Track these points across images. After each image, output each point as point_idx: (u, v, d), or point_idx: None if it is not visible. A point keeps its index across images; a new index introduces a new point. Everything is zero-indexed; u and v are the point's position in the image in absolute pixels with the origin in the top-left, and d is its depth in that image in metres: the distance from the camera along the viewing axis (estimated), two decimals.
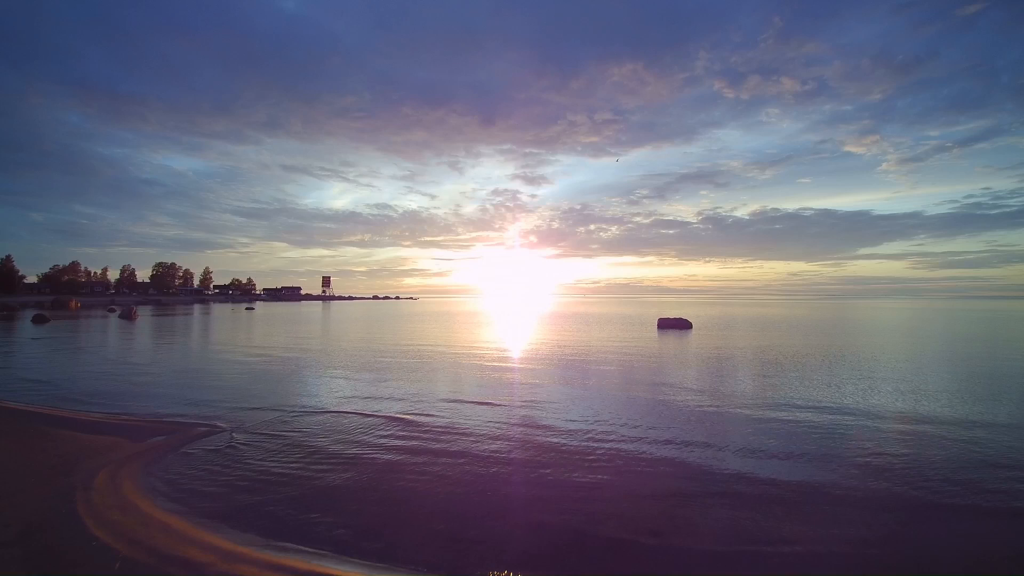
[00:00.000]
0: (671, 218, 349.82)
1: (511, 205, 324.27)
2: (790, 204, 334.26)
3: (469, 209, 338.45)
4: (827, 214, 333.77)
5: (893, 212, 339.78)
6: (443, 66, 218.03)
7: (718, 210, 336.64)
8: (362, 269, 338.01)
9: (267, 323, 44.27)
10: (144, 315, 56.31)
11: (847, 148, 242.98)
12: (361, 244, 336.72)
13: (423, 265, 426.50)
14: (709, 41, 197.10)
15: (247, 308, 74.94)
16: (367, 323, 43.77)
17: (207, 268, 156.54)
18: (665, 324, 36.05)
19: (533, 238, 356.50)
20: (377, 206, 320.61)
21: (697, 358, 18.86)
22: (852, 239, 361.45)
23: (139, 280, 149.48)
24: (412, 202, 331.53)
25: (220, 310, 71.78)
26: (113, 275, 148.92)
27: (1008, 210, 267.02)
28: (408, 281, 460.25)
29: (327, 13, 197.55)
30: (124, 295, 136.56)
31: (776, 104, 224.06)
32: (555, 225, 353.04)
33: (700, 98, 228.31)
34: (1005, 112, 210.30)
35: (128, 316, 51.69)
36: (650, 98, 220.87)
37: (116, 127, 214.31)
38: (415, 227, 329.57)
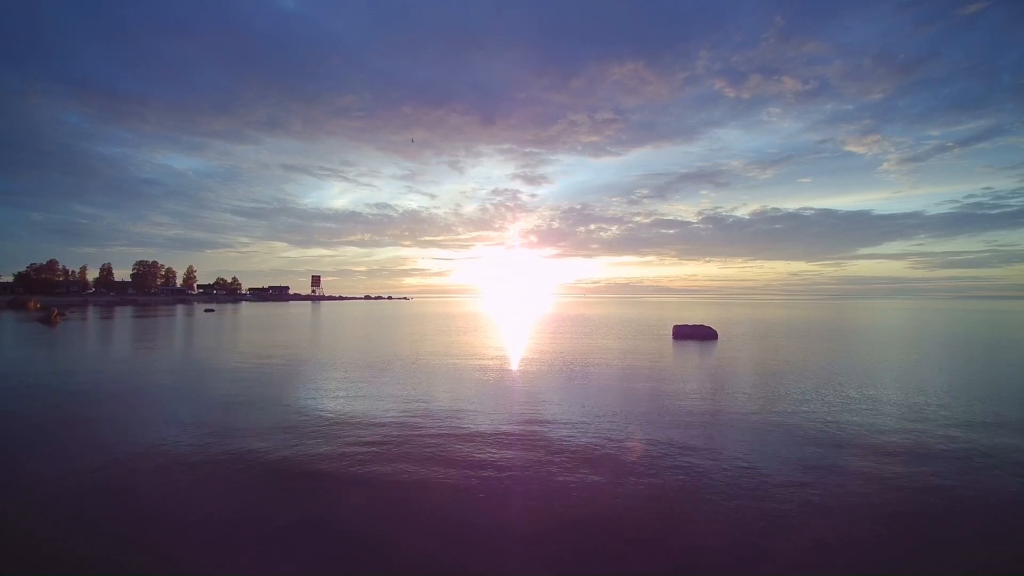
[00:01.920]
0: (671, 218, 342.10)
1: (511, 205, 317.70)
2: (790, 204, 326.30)
3: (469, 209, 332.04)
4: (827, 214, 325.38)
5: (893, 212, 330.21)
6: (443, 66, 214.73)
7: (718, 210, 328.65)
8: (362, 269, 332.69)
9: (207, 331, 36.00)
10: (88, 318, 48.09)
11: (848, 148, 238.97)
12: (361, 244, 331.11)
13: (423, 265, 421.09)
14: (710, 40, 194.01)
15: (206, 310, 65.14)
16: (338, 327, 35.61)
17: (191, 267, 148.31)
18: (683, 333, 27.65)
19: (533, 238, 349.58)
20: (377, 206, 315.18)
21: (754, 396, 10.78)
22: (852, 239, 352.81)
23: (122, 280, 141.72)
24: (412, 202, 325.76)
25: (175, 312, 63.59)
26: (93, 274, 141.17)
27: (1009, 210, 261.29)
28: (408, 281, 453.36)
29: (327, 12, 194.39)
30: (102, 295, 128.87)
31: (777, 103, 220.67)
32: (555, 225, 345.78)
33: (701, 97, 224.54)
34: (1006, 112, 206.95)
35: (47, 321, 43.57)
36: (651, 97, 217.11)
37: (116, 127, 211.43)
38: (415, 227, 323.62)
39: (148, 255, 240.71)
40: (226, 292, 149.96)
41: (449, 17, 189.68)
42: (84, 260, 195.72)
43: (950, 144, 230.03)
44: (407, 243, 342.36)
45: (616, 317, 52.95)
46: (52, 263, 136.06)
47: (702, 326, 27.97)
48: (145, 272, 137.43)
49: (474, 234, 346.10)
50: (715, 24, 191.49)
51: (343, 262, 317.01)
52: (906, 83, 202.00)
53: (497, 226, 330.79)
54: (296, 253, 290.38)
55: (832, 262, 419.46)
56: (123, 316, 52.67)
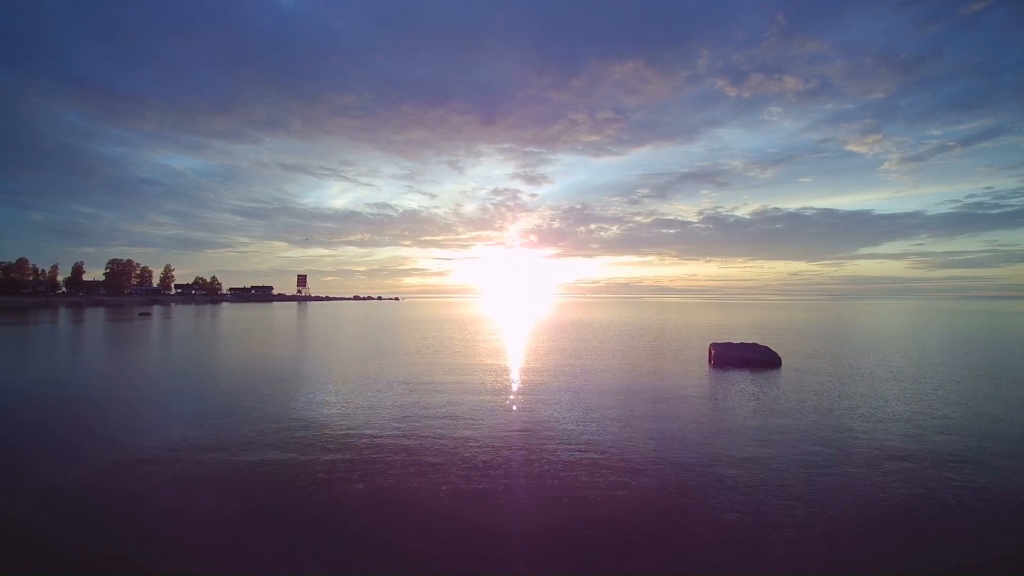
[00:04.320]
0: (672, 217, 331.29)
1: (511, 204, 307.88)
2: (791, 204, 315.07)
3: (469, 208, 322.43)
4: (828, 214, 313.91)
5: (894, 212, 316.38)
6: (443, 64, 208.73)
7: (719, 209, 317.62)
8: (362, 269, 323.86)
9: (97, 347, 26.44)
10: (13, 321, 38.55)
11: (849, 147, 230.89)
12: (361, 244, 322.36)
13: (423, 265, 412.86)
14: (711, 39, 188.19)
15: (140, 314, 54.10)
16: (279, 343, 25.79)
17: (168, 266, 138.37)
18: (728, 357, 17.81)
19: (533, 237, 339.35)
20: (377, 205, 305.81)
21: None
22: (853, 239, 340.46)
23: (96, 279, 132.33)
24: (412, 201, 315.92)
25: (113, 316, 54.02)
26: (67, 274, 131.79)
27: (1009, 210, 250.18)
28: (408, 281, 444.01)
29: (327, 11, 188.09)
30: (71, 295, 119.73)
31: (778, 103, 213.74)
32: (555, 224, 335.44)
33: (702, 97, 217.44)
34: (1007, 111, 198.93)
35: None
36: (651, 97, 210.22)
37: (115, 126, 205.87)
38: (415, 226, 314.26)
39: (148, 255, 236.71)
40: (205, 292, 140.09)
41: (449, 16, 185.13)
42: (84, 260, 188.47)
43: (951, 144, 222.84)
44: (407, 243, 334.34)
45: (621, 324, 43.12)
46: (22, 262, 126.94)
47: (755, 346, 18.20)
48: (118, 271, 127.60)
49: (474, 234, 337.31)
50: (716, 23, 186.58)
51: (343, 262, 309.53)
52: (907, 82, 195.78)
53: (497, 226, 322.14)
54: (296, 253, 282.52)
55: (832, 262, 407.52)
56: (48, 321, 43.02)
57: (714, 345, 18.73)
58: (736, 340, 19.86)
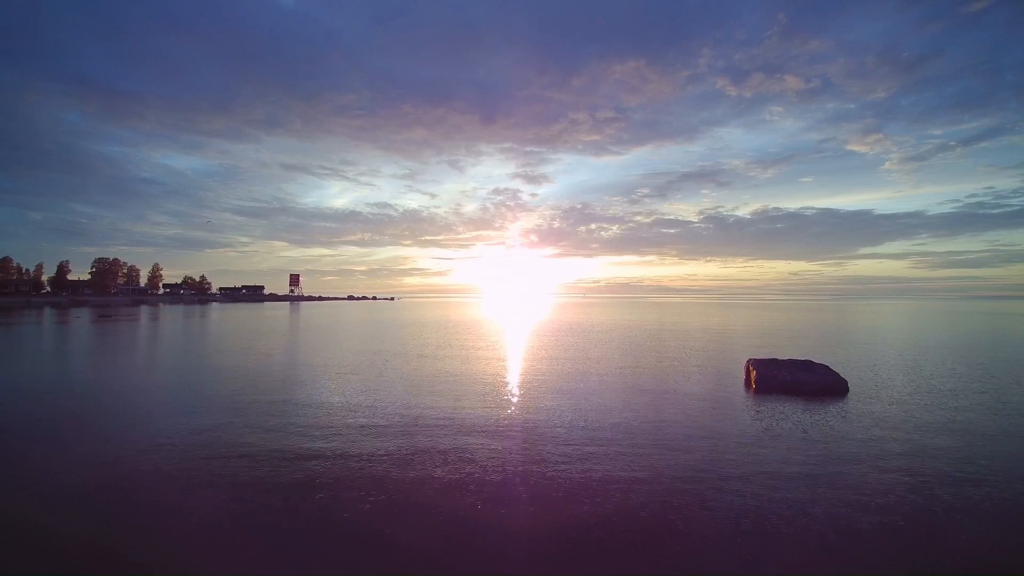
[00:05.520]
0: (672, 217, 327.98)
1: (511, 204, 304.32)
2: (792, 203, 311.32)
3: (469, 208, 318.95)
4: (829, 213, 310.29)
5: (895, 211, 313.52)
6: (443, 64, 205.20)
7: (719, 209, 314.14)
8: (362, 268, 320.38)
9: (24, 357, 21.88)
10: None
11: (850, 147, 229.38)
12: (361, 243, 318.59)
13: (423, 264, 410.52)
14: (712, 38, 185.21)
15: (100, 316, 49.26)
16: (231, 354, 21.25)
17: (156, 265, 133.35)
18: (773, 381, 13.02)
19: (533, 237, 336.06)
20: (377, 205, 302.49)
21: None
22: (853, 238, 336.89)
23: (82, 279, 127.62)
24: (412, 201, 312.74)
25: (68, 318, 49.40)
26: (51, 273, 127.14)
27: (1010, 209, 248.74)
28: (408, 280, 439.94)
29: (326, 9, 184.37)
30: (55, 295, 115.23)
31: (779, 102, 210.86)
32: (556, 224, 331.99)
33: (703, 96, 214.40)
34: (1009, 111, 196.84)
35: None
36: (652, 96, 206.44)
37: (114, 125, 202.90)
38: (415, 226, 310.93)
39: (147, 254, 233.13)
40: (194, 292, 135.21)
41: (450, 14, 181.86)
42: (80, 259, 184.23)
43: (952, 143, 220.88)
44: (407, 243, 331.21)
45: (624, 328, 38.42)
46: (6, 260, 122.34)
47: (809, 364, 13.49)
48: (104, 271, 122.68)
49: (474, 233, 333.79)
50: (718, 21, 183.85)
51: (343, 262, 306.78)
52: (909, 81, 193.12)
53: (497, 225, 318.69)
54: (296, 252, 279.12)
55: (833, 262, 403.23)
56: None
57: (753, 362, 14.00)
58: (769, 351, 15.13)
